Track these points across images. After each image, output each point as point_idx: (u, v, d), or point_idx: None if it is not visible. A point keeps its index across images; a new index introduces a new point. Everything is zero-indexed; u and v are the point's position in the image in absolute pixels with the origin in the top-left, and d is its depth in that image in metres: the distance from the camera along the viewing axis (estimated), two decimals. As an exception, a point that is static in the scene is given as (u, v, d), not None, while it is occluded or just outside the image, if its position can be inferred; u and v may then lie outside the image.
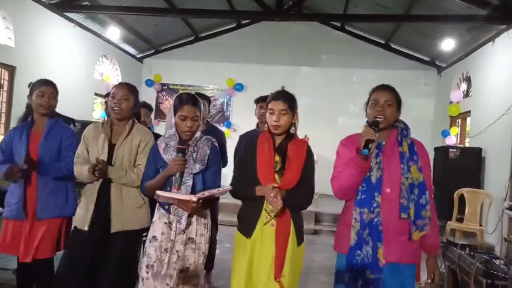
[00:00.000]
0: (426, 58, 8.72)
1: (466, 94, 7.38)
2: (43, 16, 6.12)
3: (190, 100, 2.07)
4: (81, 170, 2.23)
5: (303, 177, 1.98)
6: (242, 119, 8.18)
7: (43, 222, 2.38)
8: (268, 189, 1.89)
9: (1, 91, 5.60)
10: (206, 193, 1.90)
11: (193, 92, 2.37)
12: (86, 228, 2.20)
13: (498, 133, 5.57)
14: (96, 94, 7.99)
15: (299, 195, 1.97)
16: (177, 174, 2.02)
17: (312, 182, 2.03)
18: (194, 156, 2.07)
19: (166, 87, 9.61)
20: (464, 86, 7.59)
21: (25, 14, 5.76)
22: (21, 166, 2.32)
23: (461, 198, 5.25)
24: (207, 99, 3.47)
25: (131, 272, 2.25)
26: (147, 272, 2.06)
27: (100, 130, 2.29)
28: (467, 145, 6.97)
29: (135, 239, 2.27)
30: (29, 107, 2.49)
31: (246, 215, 2.02)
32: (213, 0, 7.40)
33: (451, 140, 7.19)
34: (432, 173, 1.95)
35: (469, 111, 6.88)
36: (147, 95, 8.63)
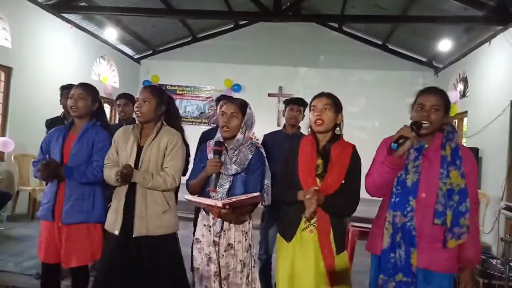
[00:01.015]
0: (423, 59, 8.75)
1: (463, 95, 7.41)
2: (40, 17, 6.11)
3: (232, 98, 2.20)
4: (109, 174, 2.22)
5: (347, 182, 1.87)
6: (240, 120, 8.18)
7: (68, 227, 2.34)
8: (307, 193, 1.82)
9: (-2, 92, 5.58)
10: (234, 199, 1.87)
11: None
12: (116, 232, 2.18)
13: (494, 134, 5.60)
14: (94, 95, 7.97)
15: (341, 201, 1.87)
16: (213, 175, 2.01)
17: (357, 187, 1.92)
18: (234, 159, 2.05)
19: (163, 88, 9.59)
20: (461, 86, 7.62)
21: (22, 15, 5.74)
22: (52, 163, 2.31)
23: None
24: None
25: (164, 277, 2.18)
26: (194, 276, 2.09)
27: (130, 133, 2.29)
28: (464, 145, 6.98)
29: (161, 244, 2.20)
30: (65, 110, 2.52)
31: (286, 219, 1.97)
32: (211, 1, 7.40)
33: (448, 140, 7.20)
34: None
35: (466, 112, 6.90)
36: (145, 96, 8.61)
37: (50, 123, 3.31)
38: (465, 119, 7.16)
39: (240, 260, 2.05)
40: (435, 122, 1.74)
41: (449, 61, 7.80)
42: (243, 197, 1.91)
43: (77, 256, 2.35)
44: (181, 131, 2.38)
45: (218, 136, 2.13)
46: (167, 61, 9.52)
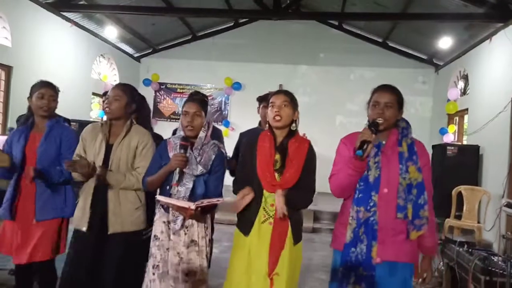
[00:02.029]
0: (423, 56, 8.74)
1: (464, 92, 7.40)
2: (40, 15, 6.10)
3: (193, 97, 2.18)
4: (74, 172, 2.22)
5: (303, 176, 1.96)
6: (240, 118, 8.19)
7: (41, 224, 2.34)
8: (244, 193, 1.92)
9: (-2, 91, 5.59)
10: (205, 202, 1.91)
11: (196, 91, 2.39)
12: (84, 229, 2.19)
13: (495, 131, 5.59)
14: (94, 94, 7.97)
15: (298, 195, 1.95)
16: (177, 170, 2.02)
17: (312, 181, 2.02)
18: (198, 159, 2.07)
19: (163, 86, 9.59)
20: (461, 84, 7.61)
21: (22, 14, 5.73)
22: (15, 165, 2.33)
23: (459, 195, 5.26)
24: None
25: (134, 274, 2.22)
26: (154, 274, 2.06)
27: (98, 131, 2.28)
28: (464, 142, 6.99)
29: (134, 240, 2.23)
30: (30, 109, 2.48)
31: (244, 213, 2.01)
32: (211, -1, 7.39)
33: (449, 138, 7.21)
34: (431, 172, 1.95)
35: (467, 109, 6.90)
36: (145, 95, 8.56)
37: (19, 120, 3.30)
38: (465, 117, 7.15)
39: (206, 255, 2.09)
40: (389, 119, 1.81)
41: (450, 58, 7.79)
42: (214, 200, 1.96)
43: (42, 251, 2.36)
44: (150, 131, 2.41)
45: (181, 133, 2.13)
46: (167, 60, 9.52)
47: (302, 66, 9.15)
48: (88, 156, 2.25)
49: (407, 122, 1.91)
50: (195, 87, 9.50)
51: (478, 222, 5.21)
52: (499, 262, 2.85)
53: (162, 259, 2.06)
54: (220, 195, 2.09)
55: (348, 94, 8.73)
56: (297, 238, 1.99)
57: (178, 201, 1.97)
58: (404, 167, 1.78)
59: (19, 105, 5.73)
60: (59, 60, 6.57)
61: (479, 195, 5.28)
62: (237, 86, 9.23)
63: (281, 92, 2.07)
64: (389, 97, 1.84)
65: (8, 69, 5.60)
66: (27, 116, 2.49)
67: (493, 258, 2.91)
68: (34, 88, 2.44)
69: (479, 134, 6.07)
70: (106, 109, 2.26)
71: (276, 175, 1.96)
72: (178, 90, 9.56)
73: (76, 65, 7.13)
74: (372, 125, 1.75)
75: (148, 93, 9.18)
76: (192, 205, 1.87)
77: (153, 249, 2.09)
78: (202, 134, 2.12)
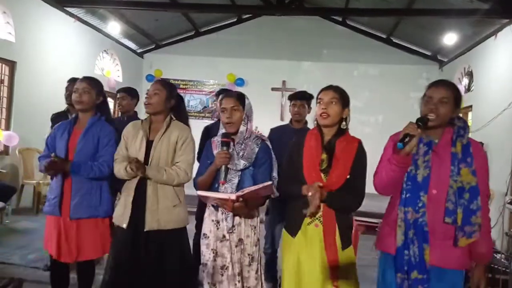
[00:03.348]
0: (427, 53, 8.68)
1: (468, 89, 7.35)
2: (44, 10, 6.10)
3: (229, 92, 2.19)
4: (119, 168, 2.22)
5: (352, 177, 1.85)
6: (243, 114, 8.17)
7: (77, 222, 2.34)
8: (311, 188, 1.80)
9: (2, 86, 5.60)
10: (246, 190, 1.86)
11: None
12: (124, 226, 2.18)
13: (500, 128, 5.56)
14: (97, 89, 7.98)
15: (346, 197, 1.85)
16: (223, 168, 2.00)
17: (362, 183, 1.89)
18: (241, 153, 2.04)
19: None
20: (466, 80, 7.56)
21: (26, 9, 5.74)
22: (59, 160, 2.32)
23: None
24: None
25: (178, 272, 2.20)
26: (203, 271, 2.07)
27: (139, 128, 2.28)
28: (474, 139, 6.94)
29: (173, 238, 2.22)
30: (69, 105, 2.53)
31: (291, 214, 1.95)
32: (214, -6, 7.37)
33: (453, 135, 7.16)
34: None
35: (471, 106, 6.85)
36: (148, 90, 8.62)
37: (55, 118, 3.31)
38: (470, 114, 7.11)
39: (249, 254, 2.05)
40: (442, 115, 1.70)
41: (454, 55, 7.74)
42: (255, 187, 1.89)
43: (85, 250, 2.36)
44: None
45: (223, 130, 2.12)
46: (170, 55, 9.50)
47: (305, 62, 9.11)
48: (130, 153, 2.25)
49: (464, 121, 1.79)
50: (198, 83, 9.49)
51: (481, 220, 5.19)
52: (502, 260, 2.85)
53: (210, 258, 2.05)
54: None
55: (352, 90, 8.52)
56: (346, 243, 1.88)
57: (219, 194, 1.94)
58: (456, 169, 1.67)
59: (23, 100, 5.77)
60: (63, 55, 6.57)
61: (483, 192, 5.25)
62: (240, 82, 9.21)
63: (330, 88, 1.97)
64: (444, 93, 1.72)
65: (12, 64, 5.61)
66: (62, 112, 2.49)
67: (496, 255, 2.90)
68: (70, 84, 2.50)
69: (483, 131, 6.03)
70: (146, 103, 2.26)
71: (322, 175, 1.87)
72: (181, 86, 9.55)
73: (79, 60, 7.13)
74: (420, 120, 1.66)
75: (151, 88, 9.18)
76: (232, 196, 1.83)
77: (203, 247, 2.09)
78: (242, 128, 2.08)
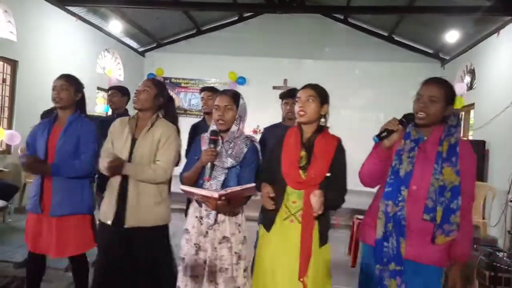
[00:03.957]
0: (429, 51, 8.65)
1: (470, 87, 7.33)
2: (45, 9, 6.11)
3: (225, 91, 2.14)
4: (101, 164, 2.22)
5: (333, 175, 1.87)
6: (245, 113, 8.17)
7: (59, 218, 2.35)
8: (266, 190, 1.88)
9: (4, 86, 5.61)
10: (229, 190, 1.87)
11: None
12: (109, 222, 2.19)
13: (502, 126, 5.54)
14: (98, 88, 7.99)
15: (332, 195, 1.86)
16: (208, 164, 2.01)
17: (343, 180, 1.92)
18: (229, 151, 2.04)
19: (168, 81, 9.59)
20: (468, 78, 7.54)
21: (27, 8, 5.74)
22: (39, 161, 2.33)
23: (464, 191, 5.23)
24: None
25: (159, 268, 2.21)
26: (179, 265, 2.08)
27: (125, 124, 2.28)
28: (470, 138, 6.93)
29: (154, 235, 2.21)
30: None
31: (265, 209, 1.96)
32: (215, -8, 7.36)
33: (455, 133, 7.14)
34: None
35: (473, 104, 6.84)
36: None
37: (43, 115, 3.32)
38: (472, 112, 7.09)
39: (235, 252, 2.05)
40: (432, 114, 1.70)
41: (456, 52, 7.71)
42: (238, 188, 1.90)
43: (71, 245, 2.37)
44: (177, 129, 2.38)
45: (213, 127, 2.11)
46: (172, 54, 9.51)
47: (307, 61, 9.10)
48: (116, 150, 2.24)
49: (458, 120, 1.77)
50: (200, 81, 9.49)
51: (483, 218, 5.18)
52: (504, 258, 2.85)
53: (189, 252, 2.05)
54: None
55: (353, 88, 8.69)
56: (323, 240, 1.91)
57: (201, 190, 1.94)
58: (439, 168, 1.68)
59: (25, 99, 5.77)
60: (64, 54, 6.58)
61: (484, 191, 5.25)
62: (241, 80, 9.20)
63: (308, 86, 1.99)
64: (434, 91, 1.71)
65: (13, 64, 5.62)
66: (52, 109, 2.50)
67: (498, 253, 2.90)
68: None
69: (485, 129, 6.02)
70: (135, 99, 2.25)
71: (301, 172, 1.89)
72: (183, 85, 9.56)
73: (81, 59, 7.14)
74: (405, 116, 1.68)
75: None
76: (215, 194, 1.84)
77: (183, 241, 2.10)
78: (234, 128, 2.08)
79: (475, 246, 3.06)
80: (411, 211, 1.71)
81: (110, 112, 3.91)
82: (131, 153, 2.21)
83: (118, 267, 2.18)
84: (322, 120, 1.95)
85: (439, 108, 1.71)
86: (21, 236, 4.34)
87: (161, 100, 2.31)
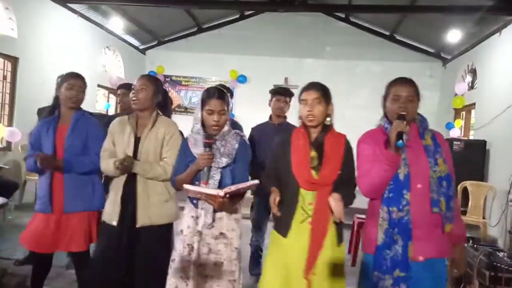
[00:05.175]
0: (431, 50, 8.64)
1: (471, 86, 7.32)
2: (46, 6, 6.10)
3: (216, 93, 2.05)
4: (107, 164, 2.21)
5: (344, 172, 1.87)
6: (245, 111, 8.16)
7: (71, 215, 2.35)
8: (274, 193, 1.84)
9: (4, 82, 5.61)
10: (233, 188, 1.87)
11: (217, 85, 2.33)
12: (114, 223, 2.18)
13: (503, 126, 5.53)
14: (99, 86, 7.99)
15: (347, 194, 1.85)
16: (205, 169, 2.00)
17: (353, 177, 1.91)
18: (222, 150, 2.04)
19: (169, 79, 9.59)
20: (469, 78, 7.52)
21: (28, 5, 5.74)
22: (49, 157, 2.32)
23: (465, 191, 5.23)
24: (230, 91, 3.42)
25: (164, 267, 2.18)
26: (170, 267, 2.06)
27: (126, 124, 2.27)
28: (471, 137, 6.93)
29: (163, 233, 2.22)
30: (56, 100, 2.46)
31: (281, 213, 1.89)
32: (216, -10, 7.34)
33: (455, 132, 7.14)
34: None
35: (474, 104, 6.82)
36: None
37: (40, 113, 3.30)
38: (472, 111, 7.09)
39: (236, 248, 2.06)
40: (411, 112, 1.76)
41: (458, 52, 7.70)
42: (243, 185, 1.91)
43: (76, 242, 2.37)
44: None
45: (198, 127, 2.09)
46: (173, 52, 9.50)
47: (308, 59, 9.08)
48: (118, 149, 2.24)
49: (421, 115, 1.86)
50: (200, 79, 9.49)
51: (483, 218, 5.18)
52: (504, 258, 2.85)
53: (182, 253, 2.04)
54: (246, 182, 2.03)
55: (354, 87, 8.67)
56: (340, 238, 1.90)
57: (207, 189, 1.94)
58: (433, 160, 1.74)
59: (25, 96, 5.77)
60: (65, 51, 6.57)
61: (485, 190, 5.24)
62: (242, 79, 9.20)
63: (312, 87, 1.95)
64: (409, 90, 1.79)
65: (14, 60, 5.61)
66: (53, 106, 2.47)
67: (498, 253, 2.90)
68: (64, 79, 2.42)
69: (486, 129, 6.01)
70: (134, 99, 2.24)
71: (313, 173, 1.87)
72: (183, 83, 9.55)
73: (82, 56, 7.13)
74: (401, 117, 1.70)
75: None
76: (220, 192, 1.84)
77: (177, 243, 2.09)
78: (226, 128, 2.09)
79: (475, 245, 3.06)
80: (418, 210, 1.71)
81: (112, 111, 3.89)
82: (135, 151, 2.20)
83: (118, 267, 2.16)
84: (328, 119, 1.94)
85: (416, 106, 1.80)
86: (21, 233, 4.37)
87: (159, 97, 2.31)
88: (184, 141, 2.16)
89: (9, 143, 5.60)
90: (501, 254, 2.90)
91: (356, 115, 8.66)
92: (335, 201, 1.77)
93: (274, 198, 1.84)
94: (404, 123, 1.67)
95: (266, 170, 2.06)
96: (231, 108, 2.14)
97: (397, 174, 1.72)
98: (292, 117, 2.58)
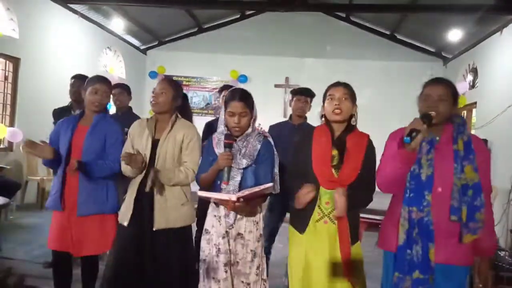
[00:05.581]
0: (432, 49, 8.63)
1: (472, 86, 7.31)
2: (47, 7, 6.11)
3: (237, 95, 2.04)
4: (125, 166, 2.21)
5: (364, 172, 1.85)
6: (246, 111, 8.17)
7: (83, 219, 2.34)
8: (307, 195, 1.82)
9: (6, 83, 5.62)
10: (246, 192, 1.85)
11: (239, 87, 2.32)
12: (125, 224, 2.19)
13: (504, 125, 5.53)
14: (100, 86, 8.00)
15: (359, 194, 1.84)
16: (226, 169, 2.00)
17: (373, 179, 1.87)
18: (243, 151, 2.03)
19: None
20: (470, 77, 7.52)
21: (29, 5, 5.74)
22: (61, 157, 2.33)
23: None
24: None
25: (183, 269, 2.20)
26: (202, 268, 2.06)
27: (144, 126, 2.28)
28: (475, 134, 6.91)
29: (180, 236, 2.22)
30: (76, 101, 2.48)
31: (298, 210, 1.90)
32: (217, -10, 7.34)
33: (457, 132, 7.14)
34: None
35: (475, 103, 6.82)
36: (151, 87, 8.60)
37: (58, 113, 3.31)
38: (474, 110, 7.08)
39: (251, 250, 2.04)
40: (442, 113, 1.71)
41: (459, 51, 7.69)
42: (256, 189, 1.88)
43: (88, 245, 2.37)
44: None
45: (222, 126, 2.10)
46: (173, 52, 9.50)
47: (308, 59, 9.07)
48: (136, 151, 2.24)
49: (462, 118, 1.81)
50: (201, 79, 9.49)
51: (485, 217, 5.17)
52: (506, 257, 2.85)
53: (210, 253, 2.03)
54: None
55: (355, 87, 8.52)
56: (354, 238, 1.88)
57: (218, 194, 1.94)
58: (459, 167, 1.67)
59: (27, 97, 5.78)
60: (66, 52, 6.58)
61: (487, 189, 5.23)
62: (243, 78, 9.20)
63: (341, 84, 1.99)
64: (442, 90, 1.74)
65: (16, 61, 5.63)
66: (69, 105, 2.45)
67: (499, 252, 2.90)
68: (89, 82, 2.43)
69: (487, 128, 6.00)
70: (153, 102, 2.24)
71: (334, 171, 1.86)
72: (184, 83, 9.55)
73: (83, 57, 7.14)
74: (424, 117, 1.65)
75: (154, 85, 9.17)
76: (233, 197, 1.82)
77: (203, 242, 2.09)
78: (249, 130, 2.08)
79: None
80: (437, 214, 1.68)
81: (113, 110, 3.90)
82: (153, 154, 2.20)
83: (133, 269, 2.16)
84: (353, 119, 1.95)
85: (448, 107, 1.73)
86: (23, 233, 4.38)
87: (179, 101, 2.32)
88: (210, 139, 2.17)
89: (10, 144, 5.61)
90: (502, 253, 2.90)
91: (357, 114, 8.68)
92: (339, 195, 1.77)
93: (308, 191, 1.80)
94: (422, 123, 1.61)
95: (289, 171, 2.04)
96: (254, 110, 2.10)
97: (419, 174, 1.70)
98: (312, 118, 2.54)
